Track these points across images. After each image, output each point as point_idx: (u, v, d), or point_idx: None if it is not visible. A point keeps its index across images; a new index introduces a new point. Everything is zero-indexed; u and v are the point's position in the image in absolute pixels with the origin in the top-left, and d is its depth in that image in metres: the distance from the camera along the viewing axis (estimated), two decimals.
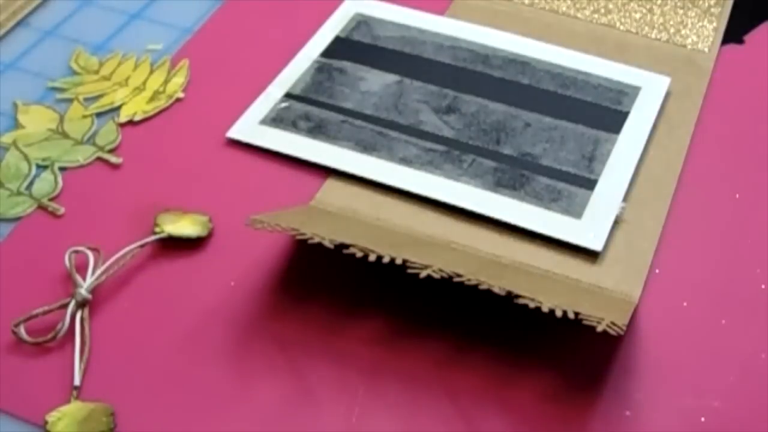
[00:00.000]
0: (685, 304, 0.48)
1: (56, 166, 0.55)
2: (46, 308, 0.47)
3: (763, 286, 0.49)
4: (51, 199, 0.53)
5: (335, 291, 0.48)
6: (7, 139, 0.56)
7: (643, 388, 0.45)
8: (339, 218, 0.51)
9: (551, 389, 0.45)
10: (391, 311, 0.48)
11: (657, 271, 0.49)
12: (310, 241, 0.45)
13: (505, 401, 0.44)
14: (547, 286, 0.47)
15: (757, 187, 0.53)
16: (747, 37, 0.61)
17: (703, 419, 0.44)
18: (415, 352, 0.46)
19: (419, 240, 0.50)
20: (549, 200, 0.52)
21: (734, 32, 0.62)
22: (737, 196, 0.53)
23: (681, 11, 0.63)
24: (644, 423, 0.44)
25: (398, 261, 0.44)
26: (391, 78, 0.58)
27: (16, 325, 0.46)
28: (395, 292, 0.48)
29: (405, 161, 0.54)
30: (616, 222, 0.51)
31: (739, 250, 0.50)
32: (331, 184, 0.53)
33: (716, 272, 0.49)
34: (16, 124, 0.57)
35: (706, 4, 0.63)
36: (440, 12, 0.63)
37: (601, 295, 0.47)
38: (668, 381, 0.45)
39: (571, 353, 0.46)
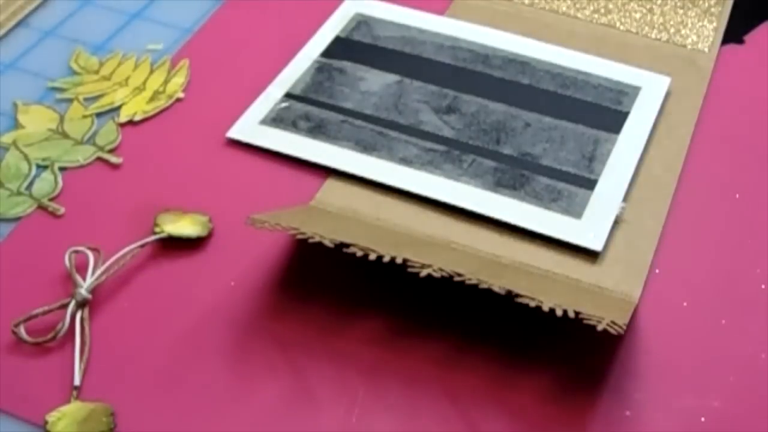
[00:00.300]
0: (685, 304, 0.48)
1: (56, 166, 0.55)
2: (46, 308, 0.47)
3: (763, 286, 0.49)
4: (51, 199, 0.53)
5: (335, 291, 0.48)
6: (7, 139, 0.56)
7: (643, 388, 0.45)
8: (339, 218, 0.51)
9: (551, 389, 0.45)
10: (391, 311, 0.48)
11: (657, 271, 0.49)
12: (310, 240, 0.45)
13: (505, 401, 0.44)
14: (547, 286, 0.47)
15: (757, 187, 0.53)
16: (747, 37, 0.61)
17: (703, 419, 0.44)
18: (415, 353, 0.46)
19: (419, 240, 0.50)
20: (549, 200, 0.52)
21: (734, 32, 0.62)
22: (737, 196, 0.53)
23: (681, 11, 0.63)
24: (644, 423, 0.44)
25: (398, 260, 0.44)
26: (391, 78, 0.58)
27: (16, 325, 0.46)
28: (395, 292, 0.48)
29: (405, 161, 0.54)
30: (616, 222, 0.51)
31: (739, 250, 0.50)
32: (331, 184, 0.53)
33: (716, 272, 0.49)
34: (16, 124, 0.57)
35: (706, 4, 0.63)
36: (440, 12, 0.63)
37: (601, 295, 0.47)
38: (668, 381, 0.45)
39: (571, 353, 0.46)
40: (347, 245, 0.44)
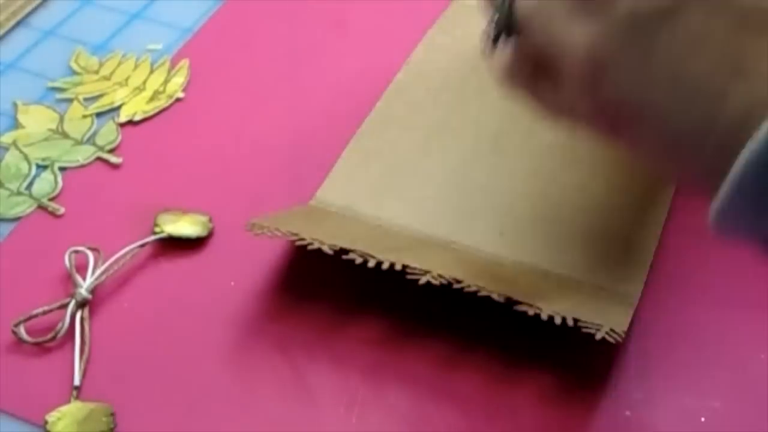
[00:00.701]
0: (684, 303, 0.48)
1: (56, 166, 0.55)
2: (46, 308, 0.47)
3: (764, 286, 0.48)
4: (51, 199, 0.53)
5: (335, 291, 0.48)
6: (7, 139, 0.56)
7: (643, 388, 0.45)
8: (339, 218, 0.51)
9: (551, 389, 0.45)
10: (391, 311, 0.47)
11: (657, 272, 0.49)
12: (309, 247, 0.45)
13: (506, 401, 0.44)
14: (546, 287, 0.47)
15: None
16: None
17: (703, 419, 0.44)
18: (415, 352, 0.46)
19: (420, 240, 0.49)
20: None
21: None
22: None
23: None
24: (644, 423, 0.44)
25: (398, 266, 0.44)
26: None
27: (16, 325, 0.46)
28: (396, 291, 0.48)
29: None
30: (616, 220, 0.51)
31: (740, 250, 0.50)
32: (331, 183, 0.53)
33: (716, 272, 0.49)
34: (16, 124, 0.57)
35: None
36: (439, 12, 0.62)
37: (601, 297, 0.47)
38: (668, 381, 0.45)
39: (571, 353, 0.46)
40: (346, 251, 0.44)
